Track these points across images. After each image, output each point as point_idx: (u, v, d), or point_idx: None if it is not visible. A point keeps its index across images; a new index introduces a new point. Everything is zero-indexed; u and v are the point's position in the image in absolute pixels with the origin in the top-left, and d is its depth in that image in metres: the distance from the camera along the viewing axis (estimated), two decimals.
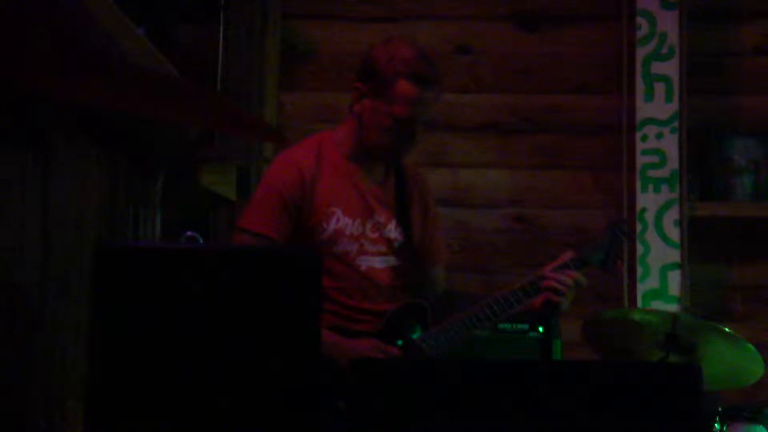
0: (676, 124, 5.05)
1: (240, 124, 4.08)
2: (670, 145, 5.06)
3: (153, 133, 4.36)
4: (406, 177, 3.82)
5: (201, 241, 4.48)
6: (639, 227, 5.04)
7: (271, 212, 3.57)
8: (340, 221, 3.62)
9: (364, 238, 3.65)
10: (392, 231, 3.71)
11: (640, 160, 5.08)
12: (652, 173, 5.07)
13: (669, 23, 5.08)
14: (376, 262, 3.67)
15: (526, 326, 4.47)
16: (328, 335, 3.43)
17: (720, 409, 4.10)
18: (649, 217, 5.05)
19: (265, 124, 4.77)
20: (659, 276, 5.03)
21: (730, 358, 4.03)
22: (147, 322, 2.50)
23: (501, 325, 4.43)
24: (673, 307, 4.92)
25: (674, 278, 5.02)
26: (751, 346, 3.94)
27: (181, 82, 3.91)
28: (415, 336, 3.61)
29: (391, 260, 3.70)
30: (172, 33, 4.86)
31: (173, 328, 2.49)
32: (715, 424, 4.01)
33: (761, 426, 4.05)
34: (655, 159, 5.08)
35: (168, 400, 2.45)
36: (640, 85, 5.09)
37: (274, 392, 2.44)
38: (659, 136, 5.07)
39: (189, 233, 4.43)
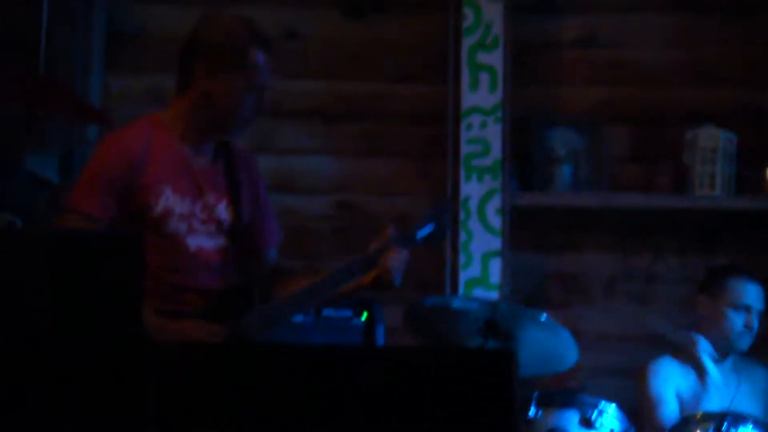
0: (499, 113, 5.08)
1: (63, 105, 4.59)
2: (494, 135, 5.10)
3: None
4: (236, 159, 3.80)
5: (19, 224, 4.45)
6: (462, 215, 5.07)
7: (98, 192, 3.55)
8: (170, 200, 3.61)
9: (193, 217, 3.65)
10: (222, 212, 3.70)
11: (465, 149, 5.11)
12: (475, 162, 5.10)
13: (494, 14, 5.11)
14: (206, 243, 3.67)
15: (349, 313, 4.68)
16: (155, 320, 3.43)
17: (536, 394, 4.24)
18: (473, 205, 5.07)
19: (89, 106, 4.98)
20: (481, 264, 5.07)
21: (546, 345, 4.17)
22: None
23: (325, 312, 4.59)
24: (493, 295, 4.99)
25: (495, 266, 5.06)
26: (567, 333, 4.13)
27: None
28: (240, 316, 3.61)
29: (221, 241, 3.69)
30: None
31: None
32: (530, 409, 4.18)
33: (574, 410, 4.23)
34: (478, 148, 5.10)
35: None
36: (465, 75, 5.11)
37: (94, 373, 2.41)
38: (483, 125, 5.09)
39: (6, 216, 4.44)
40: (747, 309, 4.78)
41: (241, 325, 3.57)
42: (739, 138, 5.27)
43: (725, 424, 4.26)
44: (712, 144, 5.23)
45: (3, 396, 2.43)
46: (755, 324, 4.78)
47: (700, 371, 4.85)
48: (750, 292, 4.80)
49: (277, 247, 4.00)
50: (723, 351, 4.81)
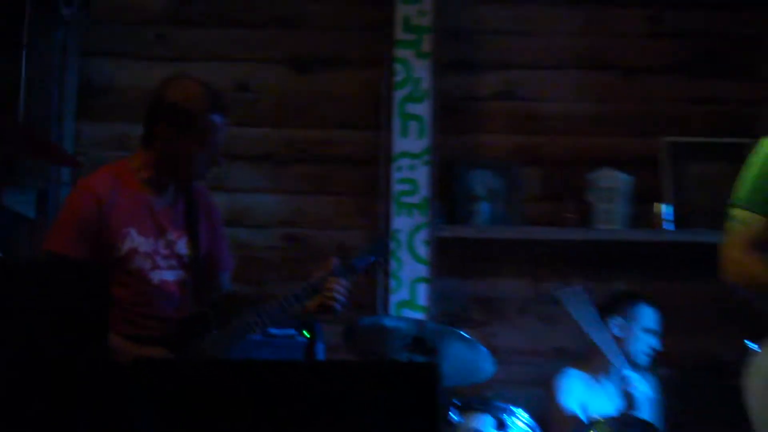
0: (427, 157, 5.25)
1: (39, 150, 4.48)
2: (422, 176, 5.26)
3: None
4: (194, 197, 3.91)
5: (0, 255, 4.43)
6: (393, 246, 5.21)
7: (72, 235, 3.64)
8: (135, 240, 3.69)
9: (156, 254, 3.73)
10: (183, 247, 3.79)
11: (396, 188, 5.26)
12: (405, 200, 5.25)
13: (423, 71, 5.29)
14: (168, 276, 3.77)
15: (293, 331, 4.74)
16: (119, 342, 3.53)
17: (456, 401, 4.38)
18: (403, 237, 5.22)
19: (63, 151, 4.97)
20: (410, 288, 5.20)
21: (466, 358, 4.33)
22: None
23: (272, 330, 4.56)
24: (420, 315, 5.11)
25: (422, 290, 5.19)
26: (484, 349, 4.28)
27: None
28: (198, 342, 3.69)
29: (182, 274, 3.79)
30: None
31: None
32: (451, 414, 4.31)
33: (490, 414, 4.32)
34: (408, 188, 5.26)
35: None
36: (396, 123, 5.27)
37: (62, 386, 2.54)
38: (412, 167, 5.26)
39: None
40: (654, 332, 4.99)
41: (200, 349, 3.67)
42: (634, 179, 5.46)
43: (621, 426, 4.44)
44: (610, 185, 5.41)
45: None
46: (656, 344, 4.99)
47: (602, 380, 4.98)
48: (656, 318, 5.02)
49: (230, 273, 4.07)
50: (622, 365, 4.83)
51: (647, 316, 5.03)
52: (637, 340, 5.00)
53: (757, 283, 3.55)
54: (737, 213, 3.58)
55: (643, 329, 5.00)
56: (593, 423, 4.51)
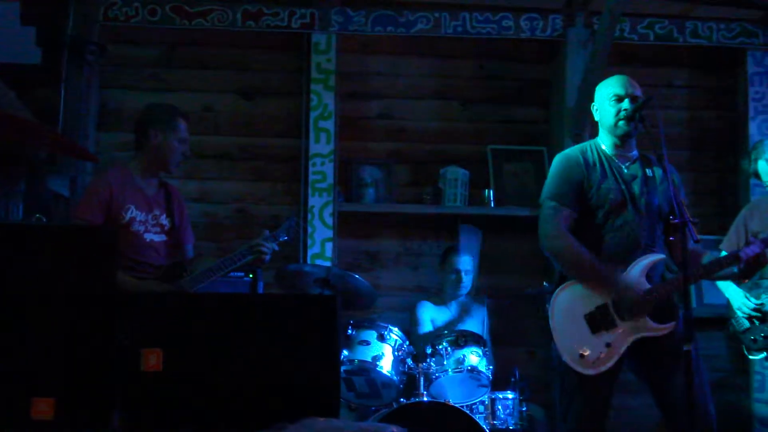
0: (332, 157, 6.03)
1: (72, 150, 5.07)
2: (329, 170, 6.03)
3: (19, 154, 5.16)
4: (170, 192, 4.43)
5: (45, 221, 5.01)
6: (310, 217, 5.96)
7: (93, 207, 4.17)
8: (134, 212, 4.23)
9: (148, 222, 4.27)
10: (164, 220, 4.35)
11: (311, 177, 6.01)
12: (318, 185, 6.04)
13: (329, 99, 6.13)
14: (155, 237, 4.31)
15: (242, 274, 5.40)
16: (125, 277, 4.05)
17: (351, 321, 5.05)
18: (316, 211, 6.00)
19: (87, 151, 5.58)
20: (320, 245, 6.00)
21: (357, 292, 5.08)
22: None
23: (231, 274, 4.66)
24: (327, 264, 5.79)
25: (329, 247, 5.98)
26: (369, 285, 5.13)
27: (35, 124, 4.69)
28: (179, 279, 4.24)
29: (164, 237, 4.33)
30: (32, 94, 5.67)
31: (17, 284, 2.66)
32: (349, 329, 4.98)
33: (374, 330, 4.94)
34: (320, 177, 6.05)
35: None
36: (312, 134, 6.06)
37: (87, 310, 2.65)
38: (323, 163, 6.04)
39: (37, 215, 5.07)
40: (458, 271, 5.73)
41: (181, 284, 4.24)
42: (469, 173, 6.28)
43: (460, 337, 5.05)
44: (454, 177, 6.23)
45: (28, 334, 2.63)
46: (463, 279, 5.70)
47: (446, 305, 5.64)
48: (463, 261, 5.77)
49: (192, 245, 4.56)
50: (452, 295, 5.78)
51: (458, 260, 5.77)
52: (453, 277, 5.77)
53: (556, 253, 4.11)
54: (548, 203, 4.13)
55: (455, 271, 5.75)
56: (440, 332, 5.27)
